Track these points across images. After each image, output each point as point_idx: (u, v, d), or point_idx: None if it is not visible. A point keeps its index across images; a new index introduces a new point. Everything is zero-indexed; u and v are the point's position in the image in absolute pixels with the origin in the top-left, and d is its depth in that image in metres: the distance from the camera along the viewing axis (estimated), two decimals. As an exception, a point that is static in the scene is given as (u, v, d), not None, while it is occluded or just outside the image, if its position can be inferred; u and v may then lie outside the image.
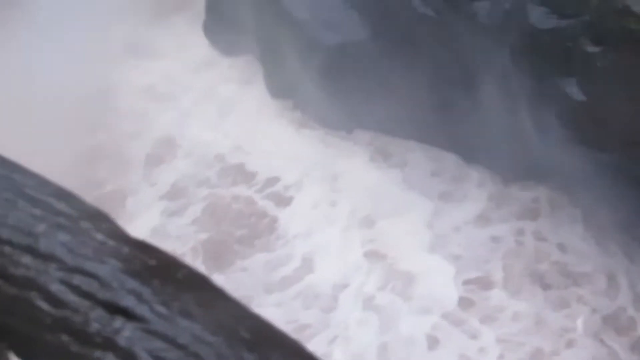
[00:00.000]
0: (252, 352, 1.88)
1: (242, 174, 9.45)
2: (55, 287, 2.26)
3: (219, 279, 8.01)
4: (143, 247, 2.39)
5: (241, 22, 10.09)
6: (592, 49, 7.84)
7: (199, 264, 8.42)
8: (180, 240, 8.85)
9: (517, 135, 8.27)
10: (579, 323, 7.90)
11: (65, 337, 2.14)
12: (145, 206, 9.22)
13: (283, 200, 9.21)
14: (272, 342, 1.94)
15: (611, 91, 7.71)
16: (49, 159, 7.56)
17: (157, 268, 2.30)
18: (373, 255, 8.63)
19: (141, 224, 8.80)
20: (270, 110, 9.72)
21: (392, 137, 9.31)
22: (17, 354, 2.28)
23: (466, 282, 8.34)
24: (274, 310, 8.03)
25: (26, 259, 2.44)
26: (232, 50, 10.34)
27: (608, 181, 7.93)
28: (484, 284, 8.33)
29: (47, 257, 2.41)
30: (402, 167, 9.34)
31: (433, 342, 7.94)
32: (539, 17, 8.16)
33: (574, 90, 7.90)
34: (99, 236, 2.42)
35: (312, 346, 7.70)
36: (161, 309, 2.10)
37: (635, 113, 7.53)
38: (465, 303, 8.19)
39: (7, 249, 2.48)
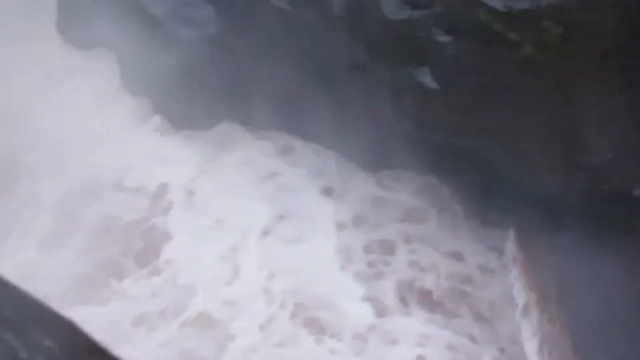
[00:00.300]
0: (12, 331, 1.76)
1: (124, 189, 8.88)
2: None
3: (99, 311, 7.58)
4: None
5: (96, 18, 9.83)
6: (443, 38, 7.96)
7: (71, 298, 7.64)
8: (59, 273, 8.04)
9: (375, 125, 8.33)
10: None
11: None
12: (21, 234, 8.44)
13: (167, 219, 8.65)
14: (37, 321, 1.82)
15: (463, 79, 7.85)
16: None
17: None
18: (265, 274, 8.18)
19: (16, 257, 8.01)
20: (131, 111, 9.31)
21: (253, 129, 9.20)
22: None
23: (364, 301, 7.96)
24: (166, 340, 7.53)
25: None
26: (87, 46, 10.06)
27: (470, 169, 8.07)
28: (383, 306, 7.93)
29: None
30: (274, 164, 9.10)
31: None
32: (392, 9, 8.24)
33: (427, 79, 8.01)
34: None
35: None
36: None
37: (484, 99, 7.69)
38: (366, 326, 7.76)
39: None
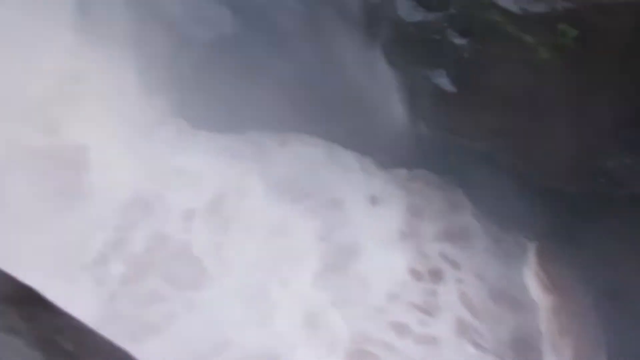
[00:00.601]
0: (74, 364, 1.82)
1: (159, 211, 8.34)
2: None
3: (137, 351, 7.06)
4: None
5: (112, 17, 9.83)
6: (459, 41, 8.00)
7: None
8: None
9: (395, 127, 8.35)
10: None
11: None
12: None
13: (204, 247, 8.08)
14: (95, 352, 1.88)
15: (479, 81, 7.89)
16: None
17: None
18: (316, 308, 7.67)
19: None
20: (151, 113, 9.04)
21: (279, 134, 9.08)
22: None
23: (424, 340, 7.52)
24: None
25: None
26: (103, 45, 10.04)
27: (490, 174, 8.05)
28: (446, 346, 7.52)
29: None
30: (311, 174, 8.67)
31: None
32: (407, 11, 8.27)
33: (443, 81, 8.05)
34: None
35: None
36: (-16, 326, 2.02)
37: (500, 102, 7.73)
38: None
39: None
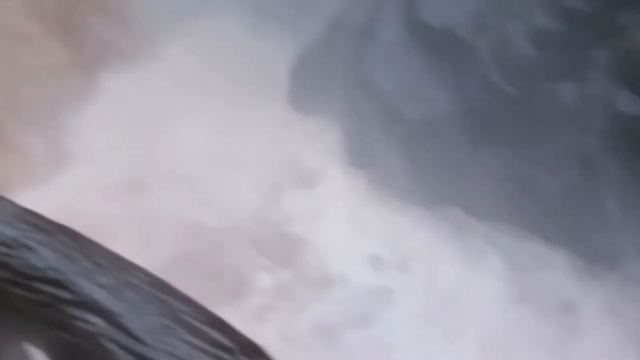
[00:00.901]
0: None
1: (383, 300, 7.96)
2: None
3: None
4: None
5: (323, 89, 10.17)
6: (683, 136, 7.82)
7: None
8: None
9: (604, 222, 8.18)
10: None
11: None
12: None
13: None
14: None
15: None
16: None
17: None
18: None
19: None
20: (360, 186, 9.10)
21: (472, 217, 9.00)
22: None
23: None
24: None
25: (186, 390, 2.52)
26: (313, 114, 10.38)
27: None
28: None
29: (209, 391, 2.49)
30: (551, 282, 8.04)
31: None
32: (626, 102, 8.17)
33: (664, 178, 7.88)
34: (258, 372, 2.49)
35: None
36: None
37: None
38: None
39: (166, 377, 2.57)
